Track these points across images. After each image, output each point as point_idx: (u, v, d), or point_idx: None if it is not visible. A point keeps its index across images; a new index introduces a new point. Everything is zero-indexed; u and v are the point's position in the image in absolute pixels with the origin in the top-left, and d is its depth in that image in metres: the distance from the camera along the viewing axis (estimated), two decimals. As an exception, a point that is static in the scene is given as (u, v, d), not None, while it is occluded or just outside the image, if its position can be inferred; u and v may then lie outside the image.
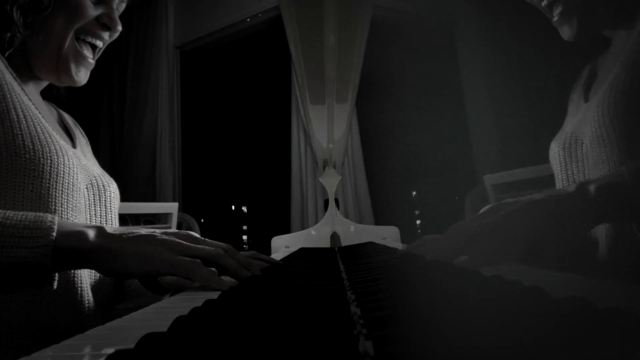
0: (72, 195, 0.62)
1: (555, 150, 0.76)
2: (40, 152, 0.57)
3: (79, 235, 0.48)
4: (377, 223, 2.38)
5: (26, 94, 0.63)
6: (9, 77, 0.60)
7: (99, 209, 0.70)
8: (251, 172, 2.77)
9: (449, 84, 2.59)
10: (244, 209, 2.80)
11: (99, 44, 0.72)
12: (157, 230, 0.54)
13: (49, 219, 0.47)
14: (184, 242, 0.52)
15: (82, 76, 0.71)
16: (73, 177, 0.62)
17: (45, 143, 0.59)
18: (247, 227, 2.73)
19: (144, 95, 2.76)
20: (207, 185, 2.82)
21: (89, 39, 0.70)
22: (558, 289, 0.27)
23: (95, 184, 0.70)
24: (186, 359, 0.19)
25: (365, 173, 2.54)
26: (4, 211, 0.47)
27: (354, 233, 1.65)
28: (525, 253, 0.49)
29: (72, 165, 0.62)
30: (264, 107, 2.78)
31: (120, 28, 0.72)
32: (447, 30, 2.60)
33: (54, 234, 0.46)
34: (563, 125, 0.78)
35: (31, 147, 0.57)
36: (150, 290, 0.71)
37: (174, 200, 2.52)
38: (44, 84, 0.74)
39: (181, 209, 2.48)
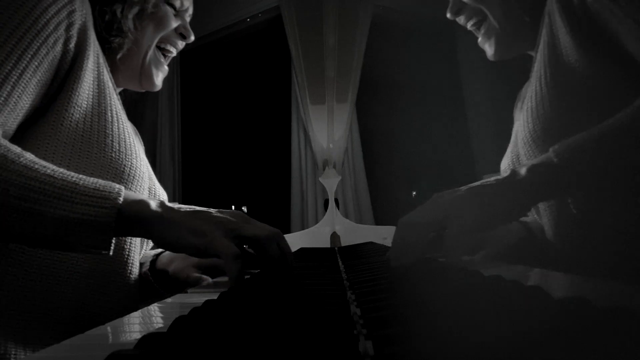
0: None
1: (503, 168, 0.79)
2: (124, 154, 0.62)
3: (142, 203, 0.51)
4: (377, 223, 2.38)
5: (119, 99, 0.68)
6: (109, 81, 0.65)
7: None
8: (251, 172, 2.77)
9: (449, 83, 2.59)
10: (244, 209, 2.80)
11: (174, 51, 0.79)
12: (212, 209, 0.56)
13: (117, 186, 0.50)
14: (236, 221, 0.54)
15: (160, 81, 0.78)
16: (144, 181, 0.67)
17: (128, 146, 0.63)
18: (247, 227, 2.73)
19: (143, 95, 2.76)
20: (207, 185, 2.82)
21: (168, 47, 0.77)
22: (558, 289, 0.27)
23: (154, 191, 0.74)
24: (186, 359, 0.19)
25: (365, 173, 2.54)
26: (78, 174, 0.50)
27: (354, 233, 1.65)
28: (474, 241, 0.52)
29: (144, 171, 0.67)
30: (264, 107, 2.78)
31: (193, 37, 0.79)
32: (447, 30, 2.60)
33: (121, 198, 0.49)
34: (509, 144, 0.80)
35: (117, 147, 0.61)
36: (163, 289, 0.73)
37: (174, 200, 2.51)
38: (118, 90, 0.79)
39: (181, 209, 2.48)
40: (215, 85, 2.85)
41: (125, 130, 0.65)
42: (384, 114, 2.56)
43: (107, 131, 0.61)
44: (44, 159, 0.52)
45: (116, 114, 0.64)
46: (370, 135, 2.61)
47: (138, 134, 0.85)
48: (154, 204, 0.51)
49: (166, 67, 0.79)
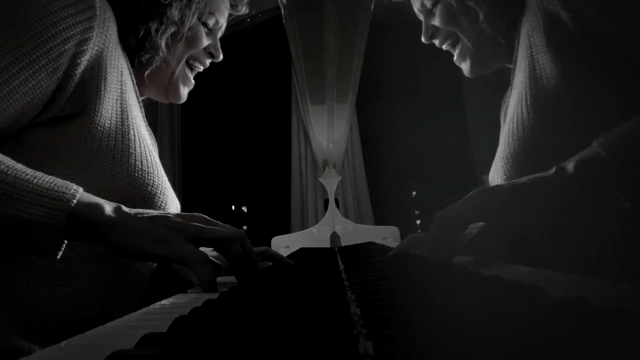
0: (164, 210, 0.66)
1: (491, 178, 0.79)
2: (147, 172, 0.63)
3: (96, 207, 0.48)
4: (377, 223, 2.38)
5: (141, 112, 0.69)
6: (133, 97, 0.66)
7: None
8: (251, 172, 2.77)
9: (449, 83, 2.59)
10: (244, 209, 2.80)
11: (201, 68, 0.81)
12: (171, 212, 0.55)
13: (74, 187, 0.48)
14: (198, 224, 0.52)
15: (186, 94, 0.81)
16: (166, 195, 0.67)
17: (150, 164, 0.64)
18: (247, 227, 2.73)
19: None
20: (207, 185, 2.82)
21: (196, 64, 0.79)
22: (558, 289, 0.27)
23: (173, 201, 0.72)
24: (186, 359, 0.19)
25: (365, 173, 2.53)
26: (36, 172, 0.48)
27: (354, 233, 1.65)
28: (517, 241, 0.50)
29: (166, 185, 0.68)
30: (264, 107, 2.78)
31: (222, 57, 0.82)
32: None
33: (75, 201, 0.47)
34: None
35: (140, 166, 0.62)
36: (166, 285, 0.73)
37: (174, 201, 2.52)
38: (141, 98, 0.81)
39: (181, 209, 2.48)
40: (215, 85, 2.84)
41: (147, 147, 0.65)
42: (384, 114, 2.55)
43: (131, 150, 0.61)
44: (68, 178, 0.51)
45: (138, 132, 0.64)
46: (370, 135, 2.61)
47: (153, 136, 0.85)
48: (109, 209, 0.49)
49: (193, 81, 0.81)
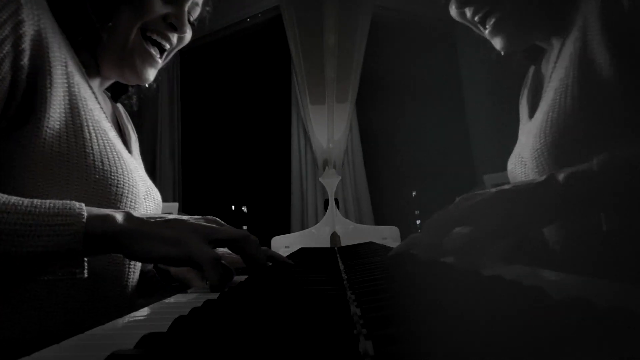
0: (136, 210, 0.62)
1: (510, 168, 0.77)
2: (109, 172, 0.58)
3: (107, 218, 0.47)
4: (377, 223, 2.38)
5: (97, 99, 0.62)
6: (85, 88, 0.60)
7: None
8: (251, 172, 2.77)
9: (448, 83, 2.59)
10: (244, 209, 2.80)
11: (166, 46, 0.70)
12: (184, 216, 0.54)
13: (77, 205, 0.47)
14: (211, 225, 0.52)
15: (147, 73, 0.69)
16: (135, 194, 0.62)
17: (113, 162, 0.59)
18: (247, 227, 2.73)
19: (143, 95, 2.76)
20: (207, 185, 2.82)
21: (155, 37, 0.67)
22: (558, 289, 0.27)
23: (150, 194, 0.69)
24: (186, 359, 0.19)
25: (365, 173, 2.54)
26: (32, 199, 0.46)
27: (354, 233, 1.65)
28: (502, 244, 0.50)
29: (135, 182, 0.63)
30: (264, 107, 2.78)
31: (187, 31, 0.70)
32: (447, 30, 2.60)
33: (84, 219, 0.46)
34: (518, 141, 0.77)
35: (101, 167, 0.57)
36: (161, 278, 0.72)
37: (174, 200, 2.52)
38: (109, 82, 0.73)
39: (181, 209, 2.48)
40: (215, 85, 2.84)
41: (107, 143, 0.59)
42: (384, 114, 2.56)
43: (87, 150, 0.56)
44: (21, 193, 0.48)
45: (94, 128, 0.58)
46: (370, 135, 2.61)
47: (130, 120, 0.80)
48: (120, 217, 0.48)
49: (158, 60, 0.69)
